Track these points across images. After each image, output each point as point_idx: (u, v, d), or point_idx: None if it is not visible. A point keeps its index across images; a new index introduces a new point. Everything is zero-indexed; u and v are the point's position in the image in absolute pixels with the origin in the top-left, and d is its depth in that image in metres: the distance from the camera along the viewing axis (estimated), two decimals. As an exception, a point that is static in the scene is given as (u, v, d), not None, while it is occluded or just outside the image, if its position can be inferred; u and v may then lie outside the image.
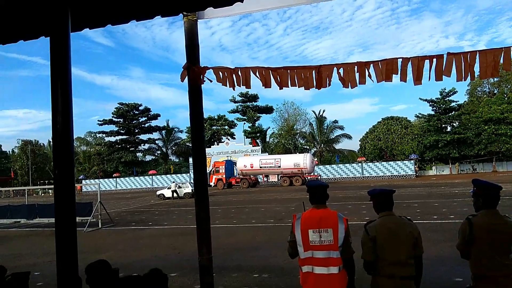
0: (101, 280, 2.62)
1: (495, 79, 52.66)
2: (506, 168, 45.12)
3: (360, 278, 3.67)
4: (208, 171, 45.12)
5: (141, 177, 55.74)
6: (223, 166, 42.40)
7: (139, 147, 65.11)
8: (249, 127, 59.26)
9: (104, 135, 65.30)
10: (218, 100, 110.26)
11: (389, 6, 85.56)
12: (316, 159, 47.59)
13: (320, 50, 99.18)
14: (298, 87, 2.83)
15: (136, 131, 63.41)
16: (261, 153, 48.87)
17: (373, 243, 3.13)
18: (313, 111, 58.08)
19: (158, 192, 31.90)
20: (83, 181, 55.07)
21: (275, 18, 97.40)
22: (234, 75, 3.02)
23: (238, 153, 48.45)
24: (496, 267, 2.90)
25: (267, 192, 29.96)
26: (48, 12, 2.38)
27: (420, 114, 52.16)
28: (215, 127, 60.91)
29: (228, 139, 57.18)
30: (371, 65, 2.71)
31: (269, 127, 62.79)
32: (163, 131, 65.48)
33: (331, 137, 56.77)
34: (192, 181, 40.26)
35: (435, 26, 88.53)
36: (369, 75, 2.73)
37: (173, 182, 36.00)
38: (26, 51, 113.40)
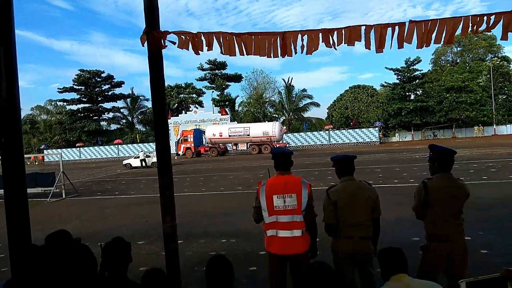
0: (61, 250, 2.57)
1: (458, 48, 54.39)
2: (465, 134, 47.74)
3: (323, 240, 3.83)
4: (176, 140, 44.57)
5: (106, 147, 54.32)
6: (192, 135, 41.96)
7: (103, 115, 62.94)
8: (217, 95, 58.46)
9: (65, 103, 62.56)
10: (185, 67, 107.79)
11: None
12: (284, 127, 48.09)
13: (290, 17, 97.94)
14: (261, 56, 2.78)
15: (99, 99, 61.03)
16: (230, 121, 48.63)
17: (334, 207, 3.25)
18: (283, 79, 58.02)
19: (125, 162, 31.31)
20: (44, 151, 52.90)
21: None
22: (196, 40, 2.91)
23: (206, 122, 48.00)
24: (449, 226, 3.09)
25: (236, 160, 30.13)
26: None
27: (385, 82, 53.51)
28: (182, 95, 59.59)
29: (196, 107, 56.29)
30: (335, 32, 2.70)
31: (237, 96, 62.19)
32: (128, 99, 63.33)
33: (300, 106, 57.26)
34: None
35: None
36: (333, 43, 2.72)
37: (142, 151, 35.37)
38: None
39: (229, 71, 60.40)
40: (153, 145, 49.41)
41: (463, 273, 3.06)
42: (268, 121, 47.69)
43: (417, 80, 49.76)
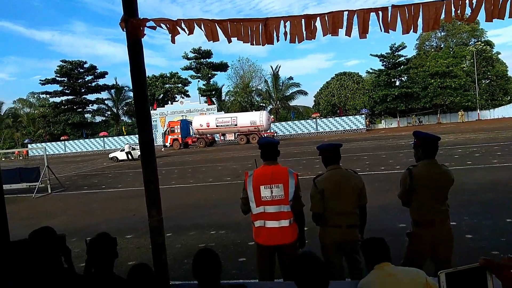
0: (45, 248, 2.50)
1: (442, 33, 54.79)
2: (449, 120, 48.39)
3: (311, 229, 3.83)
4: (163, 132, 44.11)
5: (92, 140, 53.49)
6: (178, 126, 41.57)
7: (87, 107, 61.68)
8: (203, 84, 57.91)
9: (48, 95, 60.98)
10: (170, 57, 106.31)
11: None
12: (272, 116, 48.01)
13: (275, 3, 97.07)
14: (244, 42, 2.71)
15: (83, 90, 59.77)
16: (217, 111, 48.29)
17: (321, 195, 3.24)
18: (271, 66, 57.74)
19: (111, 155, 30.89)
20: (28, 145, 51.82)
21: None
22: (178, 27, 2.82)
23: (193, 112, 47.55)
24: (434, 213, 3.10)
25: (224, 151, 30.04)
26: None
27: (371, 69, 53.74)
28: (168, 85, 58.79)
29: (182, 97, 55.66)
30: (318, 18, 2.63)
31: (223, 85, 61.74)
32: (112, 90, 62.00)
33: (287, 94, 57.22)
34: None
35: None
36: (315, 29, 2.66)
37: (127, 143, 34.87)
38: None
39: (215, 59, 59.94)
40: (139, 137, 48.76)
41: (449, 259, 3.10)
42: (255, 110, 47.56)
43: (402, 66, 50.10)
